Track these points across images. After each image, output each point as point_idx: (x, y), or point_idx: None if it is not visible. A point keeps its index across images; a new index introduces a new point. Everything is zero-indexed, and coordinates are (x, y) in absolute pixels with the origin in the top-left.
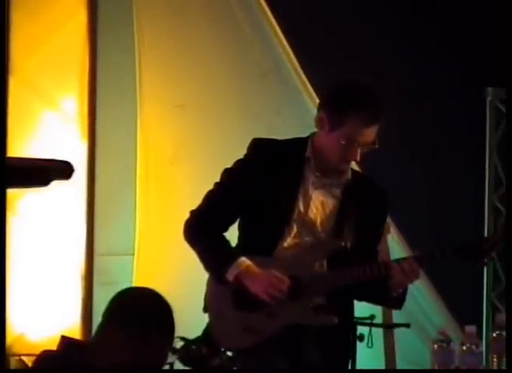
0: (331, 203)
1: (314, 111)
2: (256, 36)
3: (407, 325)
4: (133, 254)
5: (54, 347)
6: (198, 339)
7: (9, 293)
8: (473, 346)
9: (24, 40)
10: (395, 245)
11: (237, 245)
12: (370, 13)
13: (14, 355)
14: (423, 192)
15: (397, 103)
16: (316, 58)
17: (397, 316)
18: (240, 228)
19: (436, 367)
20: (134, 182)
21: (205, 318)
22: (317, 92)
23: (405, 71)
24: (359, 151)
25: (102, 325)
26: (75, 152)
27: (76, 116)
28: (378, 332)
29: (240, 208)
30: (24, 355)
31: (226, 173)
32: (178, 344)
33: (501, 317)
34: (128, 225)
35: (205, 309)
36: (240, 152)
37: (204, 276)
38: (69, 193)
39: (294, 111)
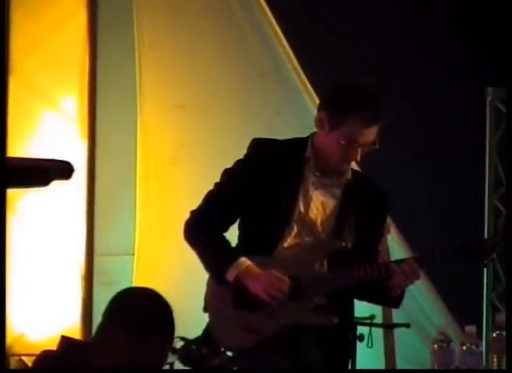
0: (331, 203)
1: (314, 111)
2: (256, 36)
3: (407, 325)
4: (133, 254)
5: (54, 347)
6: (198, 339)
7: (9, 293)
8: (473, 346)
9: (24, 40)
10: (395, 245)
11: (237, 245)
12: (371, 13)
13: (14, 355)
14: (423, 192)
15: (397, 103)
16: (316, 58)
17: (397, 316)
18: (240, 228)
19: (436, 367)
20: (134, 182)
21: (205, 318)
22: (317, 92)
23: (405, 71)
24: (359, 151)
25: (102, 325)
26: (75, 152)
27: (76, 116)
28: (378, 332)
29: (240, 208)
30: (24, 355)
31: (226, 173)
32: (178, 344)
33: (501, 317)
34: (128, 225)
35: (205, 309)
36: (240, 152)
37: (204, 276)
38: (69, 193)
39: (294, 111)
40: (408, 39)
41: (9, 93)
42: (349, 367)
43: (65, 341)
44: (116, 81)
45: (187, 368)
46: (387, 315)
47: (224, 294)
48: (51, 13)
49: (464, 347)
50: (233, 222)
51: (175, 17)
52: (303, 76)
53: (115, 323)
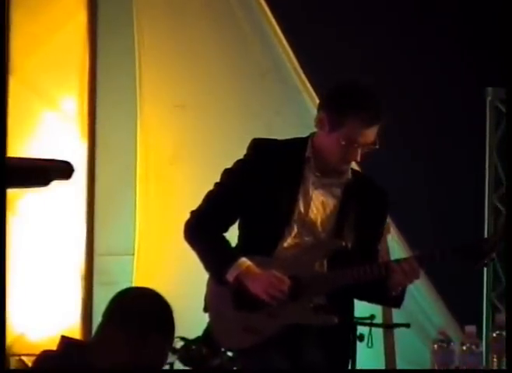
0: (331, 203)
1: (314, 111)
2: (256, 35)
3: (407, 325)
4: (133, 254)
5: (54, 347)
6: (198, 339)
7: (9, 293)
8: (473, 346)
9: (24, 39)
10: (395, 245)
11: (237, 246)
12: (371, 13)
13: (14, 355)
14: (423, 192)
15: (397, 103)
16: (316, 58)
17: (397, 316)
18: (240, 228)
19: (436, 367)
20: (134, 182)
21: (205, 318)
22: (317, 91)
23: (405, 71)
24: (359, 151)
25: (102, 325)
26: (75, 152)
27: (76, 116)
28: (378, 332)
29: (240, 208)
30: (24, 355)
31: (226, 173)
32: (178, 344)
33: (501, 317)
34: (128, 225)
35: (205, 309)
36: (240, 152)
37: (204, 276)
38: (69, 193)
39: (294, 111)
40: (408, 39)
41: (9, 93)
42: (349, 367)
43: (65, 341)
44: (116, 82)
45: (187, 368)
46: (387, 315)
47: (224, 295)
48: (51, 13)
49: (464, 347)
50: (233, 222)
51: (175, 17)
52: (303, 76)
53: (115, 323)
